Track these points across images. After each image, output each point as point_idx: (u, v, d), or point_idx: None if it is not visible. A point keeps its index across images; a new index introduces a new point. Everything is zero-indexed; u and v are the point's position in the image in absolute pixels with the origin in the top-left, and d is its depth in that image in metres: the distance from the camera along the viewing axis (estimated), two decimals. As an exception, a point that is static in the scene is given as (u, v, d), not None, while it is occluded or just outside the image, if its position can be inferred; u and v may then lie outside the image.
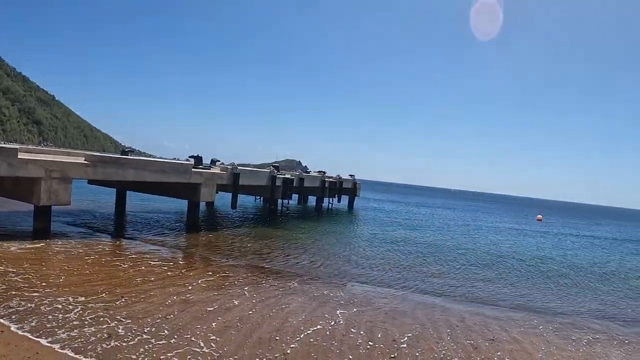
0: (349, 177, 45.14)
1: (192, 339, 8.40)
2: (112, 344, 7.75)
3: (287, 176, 30.99)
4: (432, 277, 16.97)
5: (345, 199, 45.40)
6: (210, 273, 13.77)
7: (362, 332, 9.79)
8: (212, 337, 8.53)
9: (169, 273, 13.15)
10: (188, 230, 21.63)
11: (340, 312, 11.16)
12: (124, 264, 13.70)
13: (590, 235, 46.39)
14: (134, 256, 14.92)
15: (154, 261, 14.47)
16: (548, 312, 13.74)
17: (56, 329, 8.11)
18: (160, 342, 8.05)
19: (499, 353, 9.42)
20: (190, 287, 11.85)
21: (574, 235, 43.98)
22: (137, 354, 7.49)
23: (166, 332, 8.57)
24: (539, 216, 73.50)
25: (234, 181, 25.10)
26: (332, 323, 10.22)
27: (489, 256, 23.57)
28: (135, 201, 29.21)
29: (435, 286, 15.48)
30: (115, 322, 8.77)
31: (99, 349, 7.52)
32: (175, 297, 10.78)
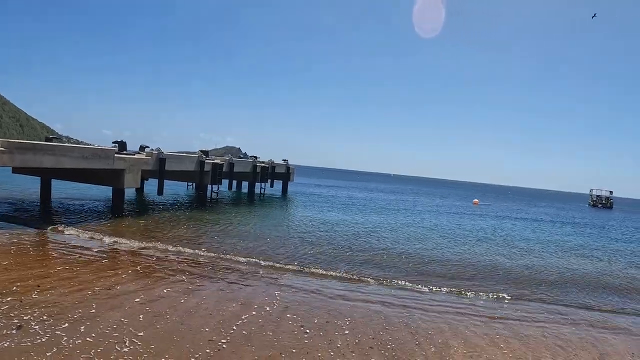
0: (282, 162, 45.36)
1: (115, 334, 7.74)
2: (14, 344, 6.95)
3: (216, 161, 31.24)
4: (368, 262, 16.95)
5: (278, 184, 45.82)
6: (138, 261, 13.25)
7: (298, 317, 9.62)
8: (138, 333, 7.89)
9: (93, 263, 12.57)
10: (114, 218, 21.10)
11: (278, 294, 11.15)
12: (46, 254, 13.07)
13: (522, 218, 48.95)
14: (57, 246, 14.34)
15: (78, 251, 13.89)
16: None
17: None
18: (77, 340, 7.35)
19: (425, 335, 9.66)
20: (117, 277, 11.27)
21: (508, 218, 46.16)
22: (44, 357, 6.71)
23: (83, 328, 7.87)
24: (476, 200, 77.30)
25: (159, 167, 24.61)
26: (268, 309, 9.99)
27: (424, 240, 24.04)
28: (61, 190, 28.33)
29: (374, 271, 15.52)
30: (29, 316, 8.10)
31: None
32: (99, 288, 10.16)
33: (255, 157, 40.89)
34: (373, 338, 9.00)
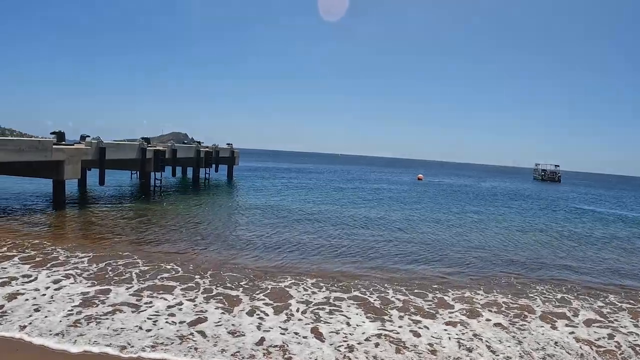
0: (227, 146, 45.43)
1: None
2: None
3: (158, 148, 31.21)
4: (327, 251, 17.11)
5: (223, 169, 45.99)
6: (81, 258, 13.34)
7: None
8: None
9: (37, 259, 12.82)
10: (55, 212, 21.04)
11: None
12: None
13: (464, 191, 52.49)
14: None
15: (15, 249, 13.91)
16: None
17: None
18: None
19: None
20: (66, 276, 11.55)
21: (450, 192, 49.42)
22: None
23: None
24: (420, 175, 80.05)
25: (100, 156, 24.52)
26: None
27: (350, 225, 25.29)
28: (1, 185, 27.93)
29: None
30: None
31: None
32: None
33: (199, 142, 40.97)
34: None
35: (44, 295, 10.04)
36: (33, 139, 22.52)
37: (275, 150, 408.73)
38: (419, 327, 9.71)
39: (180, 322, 9.11)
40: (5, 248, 13.74)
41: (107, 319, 9.03)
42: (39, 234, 16.21)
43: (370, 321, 9.93)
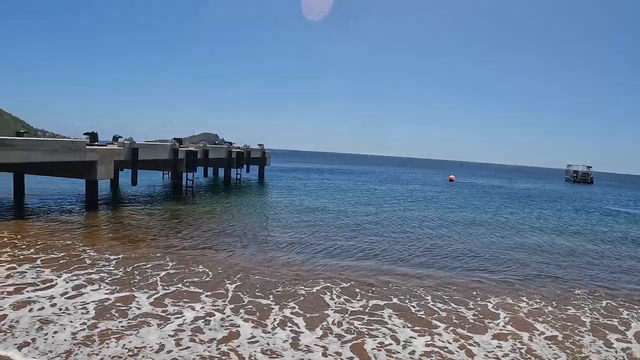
0: (258, 147, 45.33)
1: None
2: None
3: (190, 148, 31.18)
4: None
5: (254, 170, 45.71)
6: (109, 260, 12.91)
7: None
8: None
9: (61, 262, 12.45)
10: (88, 212, 20.97)
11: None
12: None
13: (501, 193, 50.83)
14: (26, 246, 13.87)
15: (43, 250, 13.55)
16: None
17: None
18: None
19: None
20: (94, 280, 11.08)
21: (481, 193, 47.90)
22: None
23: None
24: (452, 176, 78.27)
25: (132, 156, 24.45)
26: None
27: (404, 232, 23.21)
28: (35, 185, 28.16)
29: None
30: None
31: None
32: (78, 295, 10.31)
33: (231, 143, 40.81)
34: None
35: (56, 304, 9.27)
36: (66, 139, 22.54)
37: (298, 150, 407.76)
38: (470, 344, 8.77)
39: (210, 341, 8.19)
40: (33, 249, 13.43)
41: (124, 334, 8.16)
42: (70, 234, 15.94)
43: (419, 335, 9.03)
